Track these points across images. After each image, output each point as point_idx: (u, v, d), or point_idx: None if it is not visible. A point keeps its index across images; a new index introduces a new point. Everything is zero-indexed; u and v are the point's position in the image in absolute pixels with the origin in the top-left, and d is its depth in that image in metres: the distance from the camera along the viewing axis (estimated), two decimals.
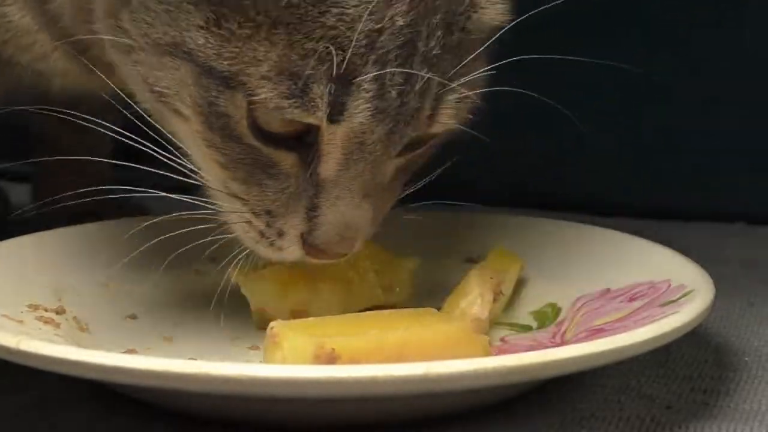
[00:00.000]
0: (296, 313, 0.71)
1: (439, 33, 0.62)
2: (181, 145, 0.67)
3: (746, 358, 0.70)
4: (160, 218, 0.73)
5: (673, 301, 0.65)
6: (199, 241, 0.69)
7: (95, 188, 0.94)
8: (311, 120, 0.60)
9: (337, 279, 0.72)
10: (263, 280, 0.71)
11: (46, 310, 0.69)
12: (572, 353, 0.56)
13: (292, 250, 0.65)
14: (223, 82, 0.60)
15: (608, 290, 0.71)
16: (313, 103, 0.60)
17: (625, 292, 0.70)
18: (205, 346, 0.69)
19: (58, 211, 0.97)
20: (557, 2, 0.70)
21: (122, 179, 1.07)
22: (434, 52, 0.62)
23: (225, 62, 0.60)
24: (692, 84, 1.08)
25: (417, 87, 0.62)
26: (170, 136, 0.67)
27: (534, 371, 0.55)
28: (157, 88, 0.63)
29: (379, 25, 0.60)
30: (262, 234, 0.65)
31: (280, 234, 0.64)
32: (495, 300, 0.70)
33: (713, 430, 0.60)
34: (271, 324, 0.62)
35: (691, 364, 0.69)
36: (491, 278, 0.70)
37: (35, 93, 0.82)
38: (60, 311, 0.70)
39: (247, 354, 0.68)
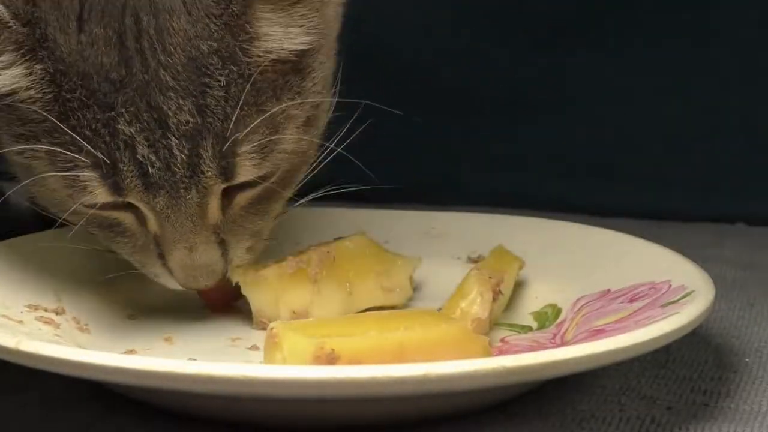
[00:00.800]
0: (297, 315, 0.71)
1: (188, 103, 0.64)
2: None
3: (747, 359, 0.70)
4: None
5: (673, 302, 0.65)
6: None
7: None
8: (97, 199, 0.66)
9: (339, 280, 0.72)
10: (264, 282, 0.71)
11: (45, 311, 0.69)
12: (572, 354, 0.56)
13: (175, 286, 0.70)
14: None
15: (608, 291, 0.71)
16: (88, 188, 0.65)
17: (626, 293, 0.70)
18: (205, 346, 0.69)
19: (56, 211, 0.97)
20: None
21: None
22: (191, 120, 0.64)
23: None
24: (692, 84, 1.08)
25: (179, 158, 0.64)
26: None
27: (534, 372, 0.55)
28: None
29: (112, 113, 0.64)
30: (146, 273, 0.71)
31: (156, 275, 0.71)
32: (495, 300, 0.70)
33: (713, 431, 0.60)
34: (271, 324, 0.62)
35: (692, 365, 0.69)
36: (490, 278, 0.70)
37: None
38: (60, 311, 0.70)
39: (247, 354, 0.68)
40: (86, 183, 0.65)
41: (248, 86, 0.65)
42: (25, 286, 0.71)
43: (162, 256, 0.69)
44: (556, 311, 0.73)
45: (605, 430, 0.60)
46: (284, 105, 0.67)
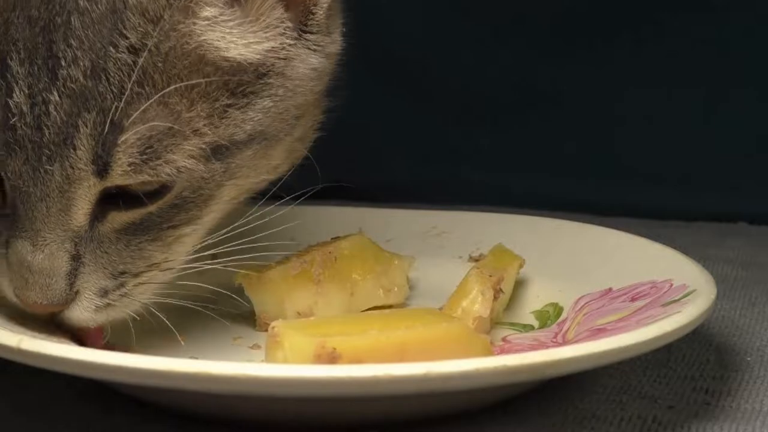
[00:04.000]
0: (302, 316, 0.71)
1: (87, 59, 0.57)
2: None
3: (748, 358, 0.70)
4: None
5: (674, 301, 0.65)
6: None
7: None
8: None
9: (341, 280, 0.73)
10: (269, 283, 0.71)
11: None
12: (574, 353, 0.55)
13: (9, 292, 0.62)
14: None
15: (610, 290, 0.71)
16: None
17: (627, 292, 0.70)
18: (206, 345, 0.69)
19: None
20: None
21: None
22: (81, 81, 0.57)
23: None
24: (693, 84, 1.08)
25: (54, 118, 0.57)
26: None
27: (535, 371, 0.55)
28: None
29: (11, 46, 0.58)
30: None
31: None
32: (495, 298, 0.70)
33: (715, 431, 0.60)
34: (273, 323, 0.62)
35: (693, 364, 0.69)
36: (491, 276, 0.70)
37: None
38: None
39: (249, 353, 0.68)
40: None
41: (160, 62, 0.58)
42: None
43: (7, 244, 0.60)
44: (558, 310, 0.73)
45: (606, 430, 0.60)
46: (194, 113, 0.60)
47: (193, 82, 0.59)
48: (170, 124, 0.58)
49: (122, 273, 0.62)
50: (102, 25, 0.58)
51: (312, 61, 0.65)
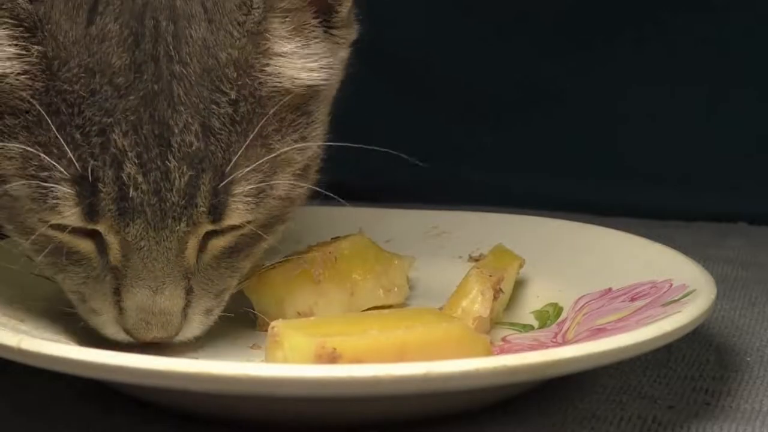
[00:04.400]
0: (302, 316, 0.71)
1: (196, 123, 0.60)
2: None
3: (748, 358, 0.70)
4: None
5: (674, 301, 0.65)
6: None
7: None
8: (64, 221, 0.60)
9: (341, 280, 0.72)
10: (270, 284, 0.71)
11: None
12: (574, 353, 0.56)
13: (112, 331, 0.64)
14: None
15: (610, 290, 0.71)
16: (59, 207, 0.59)
17: (627, 292, 0.70)
18: (206, 345, 0.69)
19: None
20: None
21: None
22: (195, 144, 0.60)
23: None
24: (693, 84, 1.08)
25: (177, 183, 0.59)
26: None
27: (535, 371, 0.55)
28: None
29: (109, 119, 0.59)
30: (93, 311, 0.64)
31: (96, 313, 0.64)
32: (495, 298, 0.70)
33: (715, 431, 0.60)
34: (273, 323, 0.62)
35: (693, 364, 0.69)
36: (490, 276, 0.70)
37: None
38: None
39: (249, 353, 0.68)
40: (58, 201, 0.59)
41: (257, 107, 0.61)
42: (26, 285, 0.71)
43: (118, 293, 0.62)
44: (558, 310, 0.73)
45: (606, 430, 0.60)
46: (288, 147, 0.63)
47: (287, 120, 0.63)
48: (271, 163, 0.62)
49: (222, 291, 0.66)
50: (202, 87, 0.60)
51: (342, 55, 0.68)
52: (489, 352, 0.63)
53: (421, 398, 0.56)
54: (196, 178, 0.60)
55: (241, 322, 0.73)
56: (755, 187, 1.07)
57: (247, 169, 0.61)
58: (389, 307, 0.74)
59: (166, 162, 0.59)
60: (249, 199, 0.61)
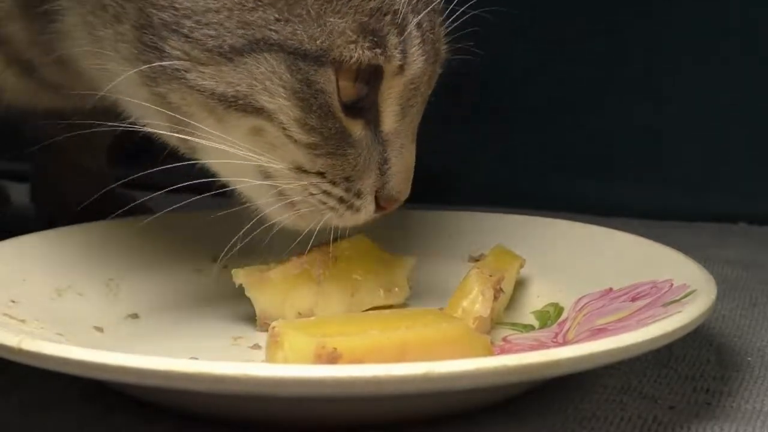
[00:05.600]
0: (303, 316, 0.71)
1: None
2: (220, 147, 0.68)
3: (749, 358, 0.70)
4: (162, 213, 0.73)
5: (675, 301, 0.65)
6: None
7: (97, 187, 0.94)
8: (389, 67, 0.67)
9: (341, 280, 0.73)
10: (270, 283, 0.71)
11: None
12: (574, 353, 0.55)
13: (367, 210, 0.69)
14: (315, 61, 0.65)
15: (610, 290, 0.71)
16: (390, 53, 0.66)
17: (628, 292, 0.70)
18: (207, 345, 0.69)
19: (60, 210, 0.97)
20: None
21: (123, 178, 1.07)
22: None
23: (316, 42, 0.65)
24: (694, 84, 1.08)
25: (436, 28, 0.68)
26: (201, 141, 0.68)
27: (536, 371, 0.55)
28: (230, 93, 0.65)
29: None
30: (341, 200, 0.69)
31: (359, 195, 0.69)
32: (496, 298, 0.70)
33: (715, 431, 0.60)
34: (273, 323, 0.62)
35: (694, 364, 0.69)
36: (491, 276, 0.70)
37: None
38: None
39: (249, 353, 0.68)
40: (387, 48, 0.66)
41: None
42: (27, 286, 0.71)
43: (386, 162, 0.69)
44: (558, 310, 0.73)
45: (607, 430, 0.60)
46: None
47: None
48: None
49: None
50: None
51: None
52: (489, 352, 0.63)
53: (421, 398, 0.56)
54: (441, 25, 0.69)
55: (241, 322, 0.73)
56: (755, 187, 1.07)
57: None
58: (390, 307, 0.74)
59: (433, 16, 0.68)
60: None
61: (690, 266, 0.70)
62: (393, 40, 0.66)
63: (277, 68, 0.65)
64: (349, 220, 0.70)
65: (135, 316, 0.74)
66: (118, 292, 0.75)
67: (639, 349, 0.58)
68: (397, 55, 0.66)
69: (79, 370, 0.55)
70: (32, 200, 1.02)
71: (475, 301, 0.69)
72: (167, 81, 0.66)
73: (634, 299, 0.68)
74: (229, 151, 0.67)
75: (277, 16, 0.65)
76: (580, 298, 0.72)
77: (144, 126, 0.70)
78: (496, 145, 1.12)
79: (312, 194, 0.68)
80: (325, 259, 0.72)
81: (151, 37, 0.66)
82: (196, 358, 0.61)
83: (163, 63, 0.66)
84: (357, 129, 0.68)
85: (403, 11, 0.66)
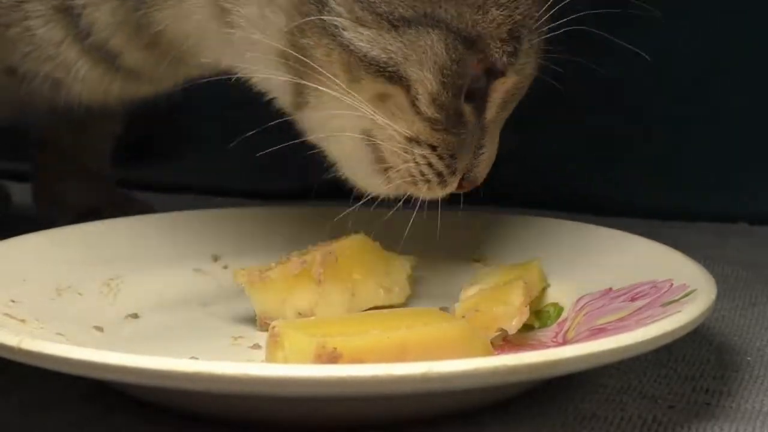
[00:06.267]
0: (302, 316, 0.71)
1: None
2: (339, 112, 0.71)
3: (748, 358, 0.70)
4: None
5: (675, 301, 0.65)
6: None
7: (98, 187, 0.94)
8: (510, 71, 0.72)
9: (342, 280, 0.72)
10: (270, 283, 0.71)
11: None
12: (574, 353, 0.55)
13: (452, 186, 0.73)
14: (468, 44, 0.69)
15: (610, 290, 0.71)
16: (517, 62, 0.72)
17: (627, 292, 0.70)
18: (207, 345, 0.69)
19: (60, 210, 0.97)
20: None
21: (123, 179, 1.07)
22: None
23: (477, 27, 0.69)
24: (694, 84, 1.08)
25: (538, 43, 0.73)
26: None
27: (535, 371, 0.55)
28: (383, 58, 0.69)
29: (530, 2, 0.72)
30: (440, 174, 0.72)
31: (454, 172, 0.72)
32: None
33: (715, 431, 0.60)
34: (273, 323, 0.62)
35: (693, 364, 0.69)
36: (530, 295, 0.70)
37: (45, 103, 0.83)
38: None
39: (249, 353, 0.68)
40: (519, 53, 0.71)
41: None
42: (27, 285, 0.71)
43: (481, 147, 0.73)
44: (558, 310, 0.73)
45: (607, 430, 0.60)
46: None
47: None
48: None
49: None
50: None
51: None
52: (489, 352, 0.63)
53: (421, 398, 0.56)
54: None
55: (241, 322, 0.73)
56: (755, 187, 1.07)
57: None
58: (390, 307, 0.74)
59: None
60: None
61: (690, 266, 0.70)
62: (525, 46, 0.71)
63: (436, 44, 0.68)
64: (437, 193, 0.73)
65: (135, 316, 0.74)
66: (118, 292, 0.75)
67: (639, 349, 0.58)
68: (519, 65, 0.72)
69: (79, 370, 0.55)
70: (34, 200, 1.02)
71: (512, 316, 0.68)
72: (318, 35, 0.69)
73: (633, 299, 0.68)
74: (349, 107, 0.70)
75: None
76: (579, 298, 0.72)
77: (250, 80, 0.74)
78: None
79: (417, 164, 0.71)
80: (326, 259, 0.72)
81: None
82: (196, 358, 0.61)
83: (324, 17, 0.68)
84: (467, 112, 0.71)
85: (533, 26, 0.72)
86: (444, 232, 0.83)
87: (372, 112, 0.70)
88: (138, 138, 1.12)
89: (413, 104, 0.70)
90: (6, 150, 1.07)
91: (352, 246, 0.74)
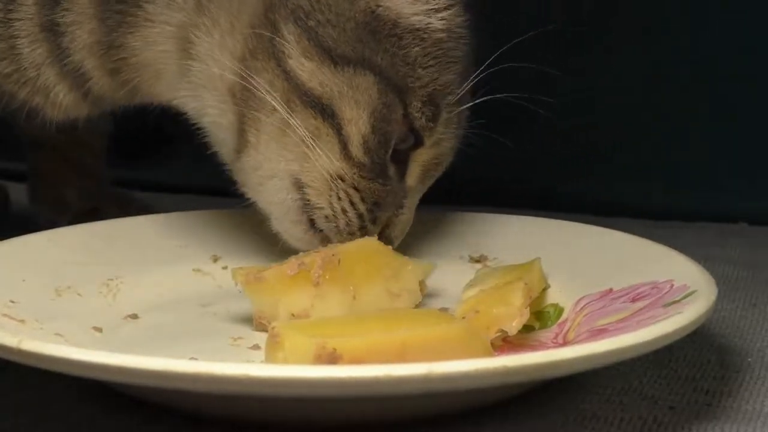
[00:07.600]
0: (296, 318, 0.70)
1: None
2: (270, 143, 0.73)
3: (749, 359, 0.70)
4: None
5: (675, 302, 0.65)
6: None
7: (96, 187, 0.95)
8: (429, 140, 0.75)
9: (343, 283, 0.71)
10: (264, 283, 0.71)
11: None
12: (574, 354, 0.55)
13: (370, 236, 0.74)
14: (397, 93, 0.73)
15: (611, 290, 0.71)
16: (435, 129, 0.75)
17: (628, 293, 0.70)
18: (207, 345, 0.69)
19: (59, 210, 0.97)
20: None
21: (123, 179, 1.07)
22: None
23: (405, 80, 0.73)
24: (694, 85, 1.08)
25: (463, 120, 0.78)
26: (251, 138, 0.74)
27: (536, 371, 0.55)
28: (319, 90, 0.72)
29: (453, 76, 0.75)
30: (360, 216, 0.74)
31: (374, 221, 0.74)
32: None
33: (715, 431, 0.60)
34: (273, 324, 0.62)
35: (694, 365, 0.69)
36: (530, 297, 0.70)
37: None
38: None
39: (249, 354, 0.68)
40: (435, 122, 0.74)
41: None
42: (27, 286, 0.71)
43: (401, 207, 0.76)
44: (558, 311, 0.73)
45: (607, 430, 0.60)
46: None
47: None
48: None
49: None
50: None
51: None
52: (489, 353, 0.63)
53: (421, 398, 0.56)
54: None
55: (241, 322, 0.73)
56: (755, 187, 1.07)
57: None
58: None
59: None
60: None
61: (690, 267, 0.70)
62: (442, 118, 0.75)
63: (370, 87, 0.72)
64: (345, 237, 0.74)
65: (135, 316, 0.74)
66: (117, 293, 0.75)
67: (639, 350, 0.58)
68: (437, 135, 0.75)
69: (79, 371, 0.55)
70: (30, 201, 1.02)
71: (512, 316, 0.68)
72: (266, 58, 0.72)
73: (634, 300, 0.68)
74: (283, 147, 0.73)
75: (387, 47, 0.72)
76: (580, 299, 0.72)
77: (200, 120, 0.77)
78: (494, 145, 1.11)
79: (340, 199, 0.73)
80: (326, 261, 0.71)
81: (276, 15, 0.72)
82: (196, 359, 0.61)
83: (275, 39, 0.71)
84: (392, 170, 0.75)
85: (453, 99, 0.75)
86: (444, 232, 0.84)
87: (304, 147, 0.72)
88: (136, 138, 1.12)
89: (344, 146, 0.72)
90: (5, 150, 1.07)
91: (359, 249, 0.73)
